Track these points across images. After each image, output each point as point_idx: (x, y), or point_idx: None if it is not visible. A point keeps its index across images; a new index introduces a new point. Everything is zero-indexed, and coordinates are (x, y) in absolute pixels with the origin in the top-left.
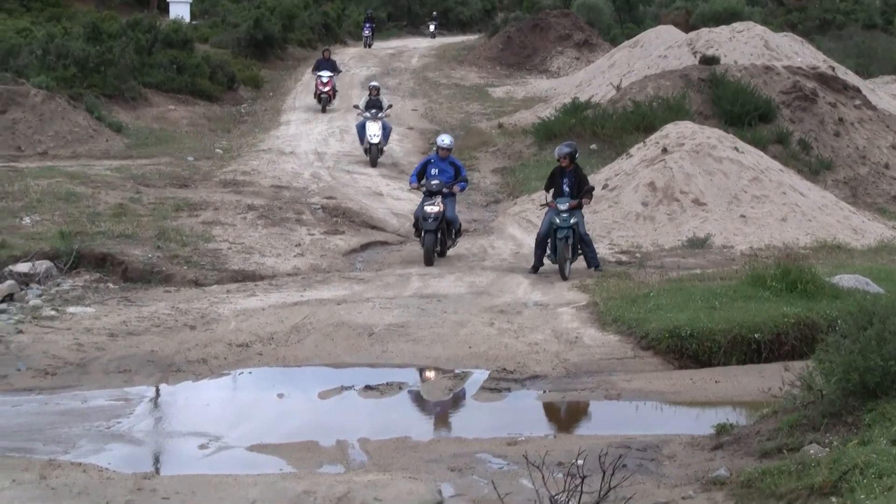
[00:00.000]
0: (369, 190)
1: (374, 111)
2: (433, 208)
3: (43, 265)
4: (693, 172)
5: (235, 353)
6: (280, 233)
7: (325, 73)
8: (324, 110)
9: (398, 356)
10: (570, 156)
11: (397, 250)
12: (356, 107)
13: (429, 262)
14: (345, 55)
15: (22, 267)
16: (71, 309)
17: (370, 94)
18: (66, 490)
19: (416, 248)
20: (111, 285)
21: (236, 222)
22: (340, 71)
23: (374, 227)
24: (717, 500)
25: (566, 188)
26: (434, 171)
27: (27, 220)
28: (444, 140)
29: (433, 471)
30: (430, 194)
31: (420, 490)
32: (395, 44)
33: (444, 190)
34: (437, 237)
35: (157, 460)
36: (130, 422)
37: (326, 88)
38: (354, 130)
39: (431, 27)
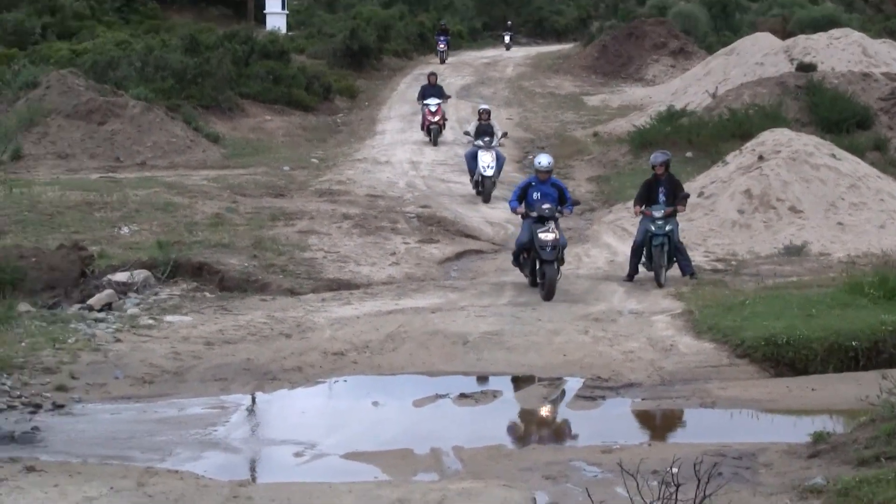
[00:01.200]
0: (464, 199)
1: (486, 139)
2: (549, 235)
3: (141, 274)
4: (790, 180)
5: (330, 362)
6: (375, 242)
7: (433, 101)
8: (434, 143)
9: (493, 364)
10: (665, 164)
11: (492, 259)
12: (466, 133)
13: (549, 296)
14: (432, 68)
15: (120, 276)
16: (168, 318)
17: (480, 119)
18: (163, 497)
19: (510, 257)
20: (208, 294)
21: (331, 231)
22: (449, 96)
23: (468, 236)
24: None
25: (661, 196)
26: (536, 196)
27: (125, 230)
28: (543, 161)
29: (527, 479)
30: (541, 220)
31: (514, 498)
32: (470, 56)
33: (557, 215)
34: (557, 268)
35: (252, 468)
36: (226, 430)
37: (436, 119)
38: (449, 138)
39: (507, 38)
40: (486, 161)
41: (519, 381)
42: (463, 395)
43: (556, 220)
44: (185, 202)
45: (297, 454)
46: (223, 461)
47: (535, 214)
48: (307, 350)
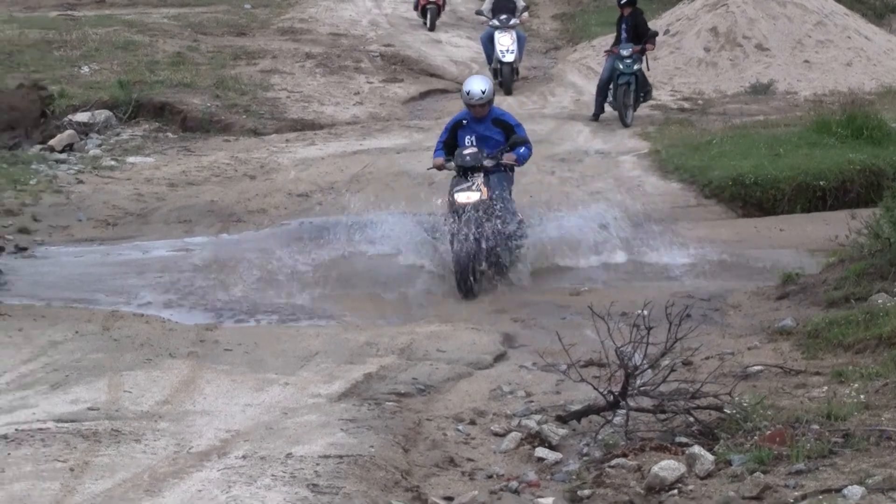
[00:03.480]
0: (428, 38)
1: (503, 17)
2: (468, 195)
3: (102, 115)
4: (756, 17)
5: (296, 203)
6: (338, 81)
7: None
8: (431, 28)
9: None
10: (630, 1)
11: (456, 98)
12: (479, 13)
13: (466, 294)
14: None
15: (81, 116)
16: (131, 159)
17: None
18: (129, 341)
19: None
20: (170, 135)
21: (294, 71)
22: None
23: (432, 75)
24: (783, 351)
25: (624, 33)
26: (470, 140)
27: (86, 69)
28: (473, 89)
29: (496, 321)
30: (463, 172)
31: (483, 340)
32: None
33: (486, 163)
34: (473, 256)
35: (217, 312)
36: (191, 273)
37: None
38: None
39: None
40: (504, 44)
41: None
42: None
43: (488, 172)
44: (145, 41)
45: (264, 298)
46: (189, 304)
47: (453, 167)
48: (272, 191)
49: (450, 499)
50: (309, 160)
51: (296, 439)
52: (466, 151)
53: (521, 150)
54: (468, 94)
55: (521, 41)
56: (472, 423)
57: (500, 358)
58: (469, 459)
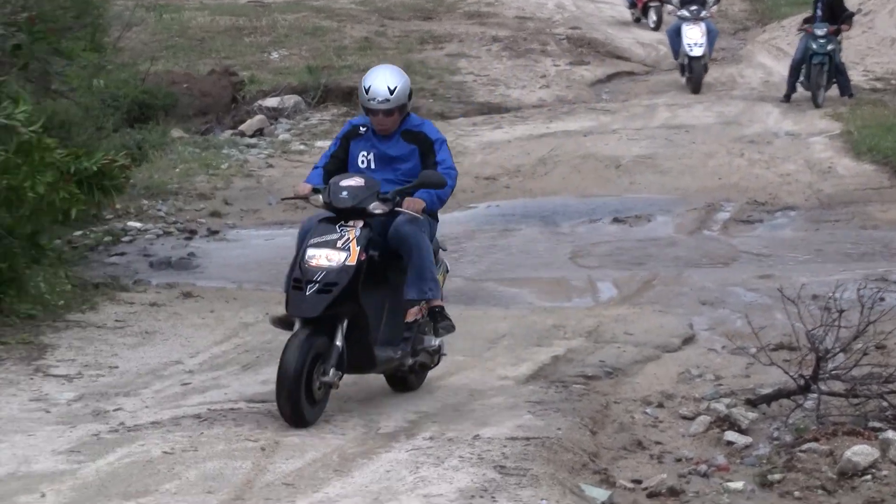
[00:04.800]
0: (614, 19)
1: (693, 8)
2: (327, 255)
3: (291, 99)
4: None
5: (482, 186)
6: (525, 64)
7: None
8: (657, 27)
9: (646, 188)
10: None
11: (643, 80)
12: (667, 1)
13: (296, 423)
14: None
15: (271, 102)
16: (319, 143)
17: None
18: None
19: (662, 78)
20: None
21: (481, 54)
22: None
23: (619, 58)
24: None
25: (819, 12)
26: (364, 159)
27: (275, 54)
28: (378, 83)
29: (683, 304)
30: (337, 214)
31: (670, 323)
32: None
33: (372, 206)
34: (306, 359)
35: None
36: None
37: None
38: None
39: None
40: (692, 37)
41: (673, 205)
42: (616, 220)
43: (381, 216)
44: (333, 26)
45: (450, 280)
46: None
47: (320, 203)
48: (459, 175)
49: (638, 482)
50: (495, 143)
51: (483, 421)
52: (346, 182)
53: (432, 195)
54: (367, 91)
55: (711, 35)
56: (660, 406)
57: (688, 341)
58: (657, 442)
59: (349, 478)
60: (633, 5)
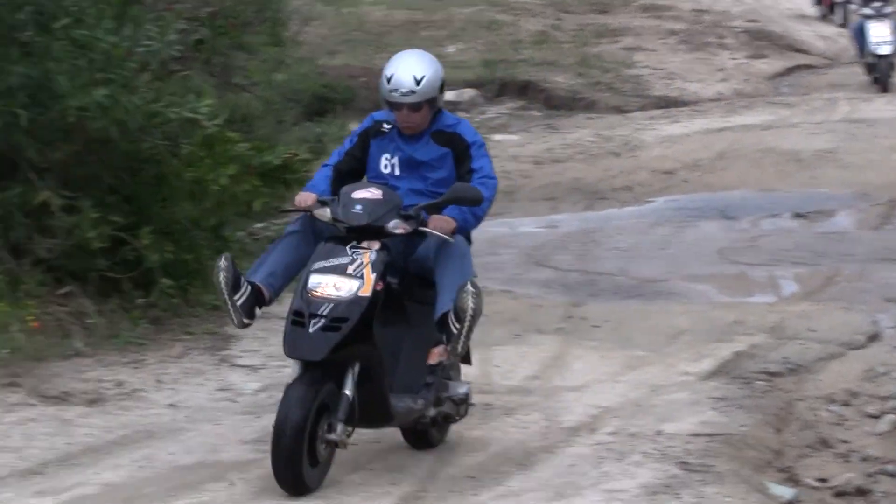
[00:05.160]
0: (792, 12)
1: (876, 4)
2: (335, 282)
3: (468, 93)
4: None
5: (660, 181)
6: (702, 57)
7: None
8: (844, 23)
9: (827, 183)
10: None
11: (823, 73)
12: (848, 1)
13: (295, 489)
14: None
15: (448, 95)
16: (496, 136)
17: None
18: (498, 317)
19: (842, 71)
20: (534, 112)
21: (657, 47)
22: None
23: (798, 51)
24: None
25: None
26: (388, 163)
27: (452, 48)
28: (402, 72)
29: (867, 301)
30: (349, 232)
31: (854, 320)
32: None
33: (391, 226)
34: (308, 413)
35: (584, 289)
36: (557, 248)
37: None
38: None
39: None
40: (878, 34)
41: (855, 200)
42: (797, 215)
43: (401, 239)
44: (509, 20)
45: (629, 276)
46: (554, 280)
47: (328, 218)
48: (636, 169)
49: (823, 480)
50: (673, 137)
51: (665, 417)
52: (360, 194)
53: (465, 213)
54: (389, 80)
55: None
56: (846, 404)
57: (873, 338)
58: (843, 441)
59: (532, 472)
60: (818, 2)
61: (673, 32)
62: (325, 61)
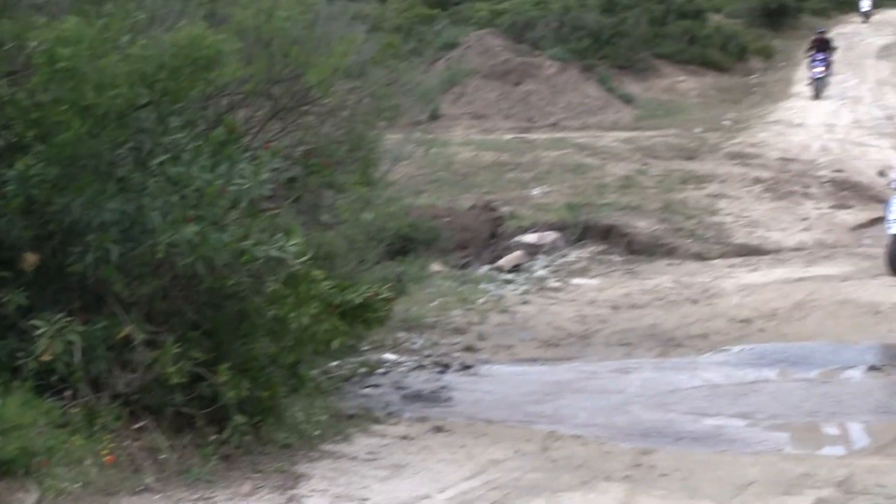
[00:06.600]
0: (880, 163)
1: None
2: None
3: (550, 236)
4: None
5: (737, 329)
6: (786, 206)
7: (819, 55)
8: (817, 96)
9: None
10: None
11: None
12: (881, 174)
13: None
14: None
15: (530, 237)
16: (575, 280)
17: None
18: (566, 462)
19: None
20: (615, 257)
21: (742, 195)
22: (836, 48)
23: (883, 202)
24: None
25: None
26: None
27: (536, 191)
28: None
29: None
30: None
31: None
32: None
33: None
34: None
35: (653, 435)
36: (629, 395)
37: (820, 69)
38: (867, 99)
39: (864, 4)
40: None
41: None
42: (873, 368)
43: None
44: (595, 163)
45: (700, 423)
46: (626, 426)
47: None
48: (713, 316)
49: None
50: (752, 286)
51: None
52: None
53: None
54: None
55: None
56: None
57: None
58: None
59: None
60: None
61: (759, 180)
62: (410, 200)
